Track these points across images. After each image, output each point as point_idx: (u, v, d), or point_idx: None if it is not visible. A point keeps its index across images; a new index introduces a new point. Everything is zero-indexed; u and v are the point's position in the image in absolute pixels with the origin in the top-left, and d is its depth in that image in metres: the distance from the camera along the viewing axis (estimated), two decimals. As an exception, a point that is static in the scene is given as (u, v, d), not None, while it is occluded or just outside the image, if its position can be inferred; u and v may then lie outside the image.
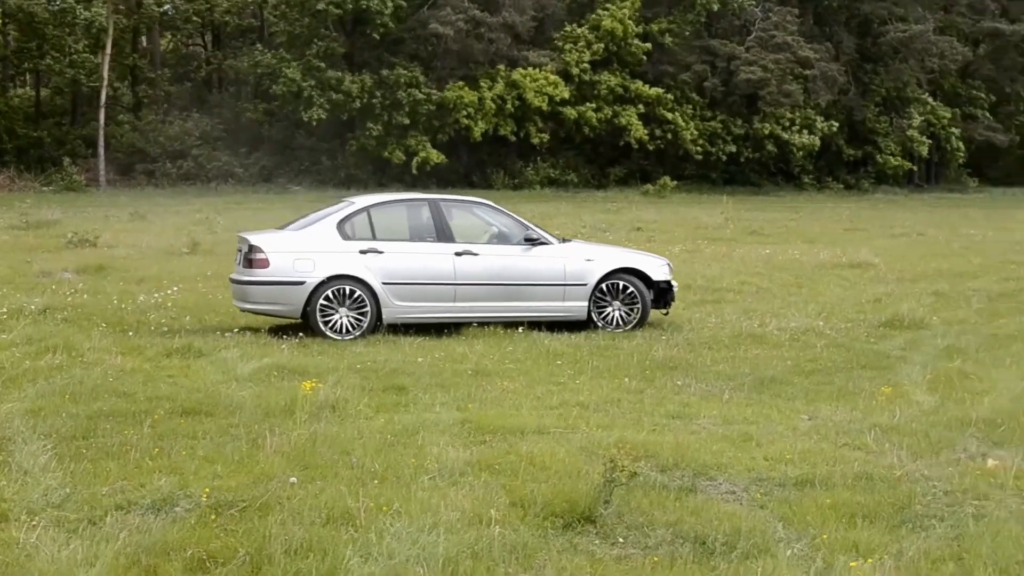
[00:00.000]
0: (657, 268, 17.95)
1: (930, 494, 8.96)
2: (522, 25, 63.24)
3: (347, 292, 16.69)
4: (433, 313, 17.33)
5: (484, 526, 7.89)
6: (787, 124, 66.88)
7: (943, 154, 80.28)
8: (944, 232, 38.12)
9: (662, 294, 17.83)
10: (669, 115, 64.97)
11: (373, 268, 16.94)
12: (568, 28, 64.90)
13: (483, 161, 64.84)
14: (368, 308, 16.71)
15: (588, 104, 63.81)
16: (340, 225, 17.39)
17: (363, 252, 17.02)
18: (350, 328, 16.59)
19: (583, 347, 15.33)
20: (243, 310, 17.40)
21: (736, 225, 38.95)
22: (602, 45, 64.62)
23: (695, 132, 65.51)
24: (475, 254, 17.56)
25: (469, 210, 18.97)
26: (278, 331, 16.56)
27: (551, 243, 18.09)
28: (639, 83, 64.96)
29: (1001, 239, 36.74)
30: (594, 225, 37.40)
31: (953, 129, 76.71)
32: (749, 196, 62.10)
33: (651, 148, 64.99)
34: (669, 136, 65.07)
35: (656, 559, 7.45)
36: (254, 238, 17.25)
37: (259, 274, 16.73)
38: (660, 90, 65.03)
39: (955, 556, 7.63)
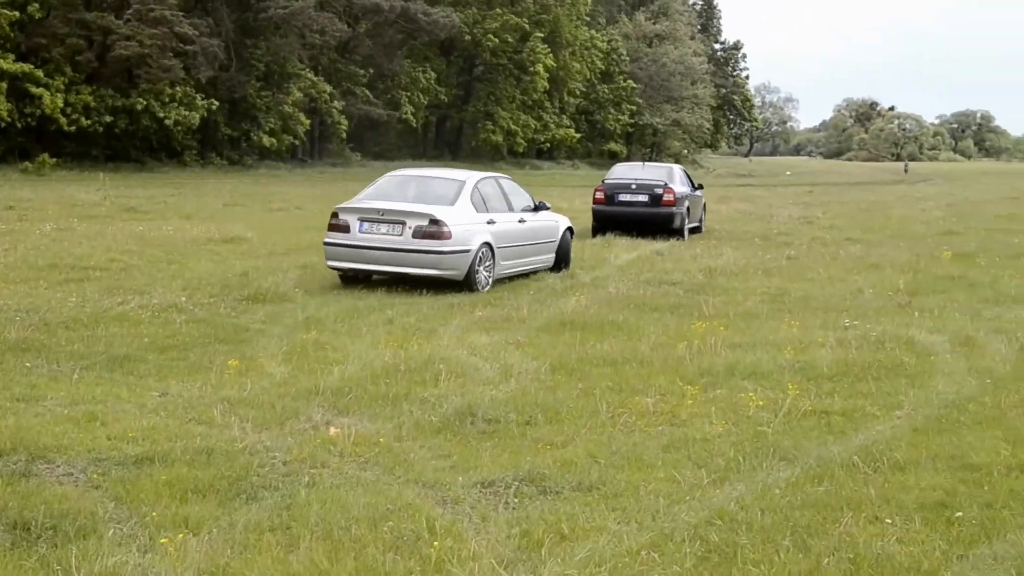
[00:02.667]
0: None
1: (268, 465, 9.13)
2: None
3: (485, 255, 20.67)
4: (513, 269, 22.03)
5: None
6: (167, 100, 66.34)
7: (325, 129, 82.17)
8: (321, 205, 38.88)
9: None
10: (38, 90, 62.99)
11: (494, 235, 20.93)
12: None
13: None
14: (493, 267, 20.89)
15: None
16: (472, 199, 20.97)
17: (489, 223, 20.95)
18: (485, 283, 20.57)
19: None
20: (411, 276, 20.19)
21: (114, 202, 38.27)
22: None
23: (62, 103, 63.61)
24: (524, 221, 22.49)
25: (504, 182, 23.32)
26: None
27: (544, 207, 23.46)
28: (9, 59, 62.58)
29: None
30: (-34, 203, 35.95)
31: (335, 104, 78.56)
32: (132, 173, 61.34)
33: (20, 125, 62.82)
34: (40, 112, 63.06)
35: (-26, 549, 7.24)
36: (438, 212, 20.02)
37: (446, 244, 19.81)
38: (27, 65, 62.86)
39: (284, 526, 7.81)
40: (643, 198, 32.95)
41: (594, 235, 32.50)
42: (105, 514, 7.90)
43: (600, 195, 33.39)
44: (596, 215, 33.36)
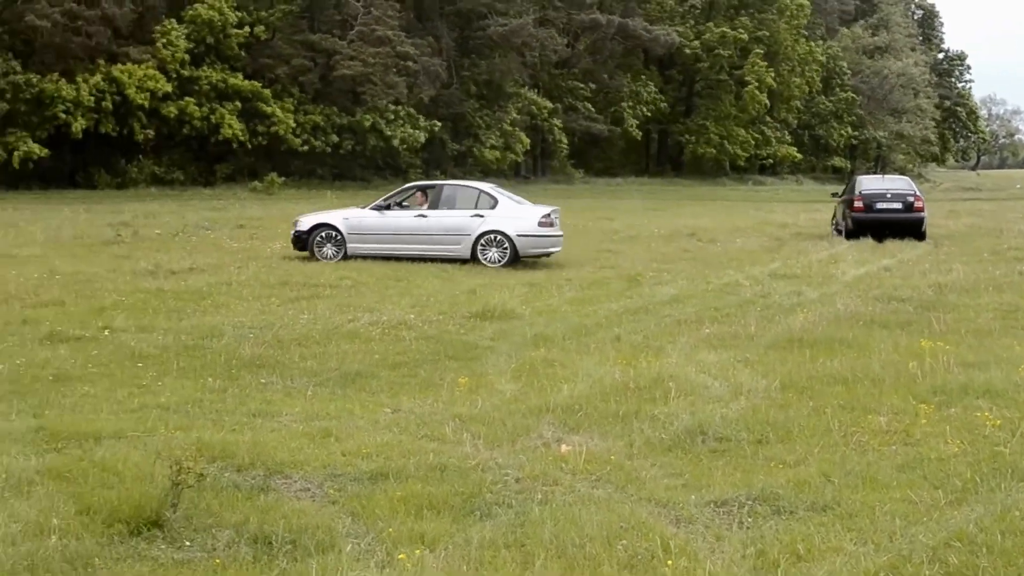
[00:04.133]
0: None
1: (501, 482, 9.16)
2: (122, 18, 61.79)
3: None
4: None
5: (46, 536, 7.68)
6: (391, 118, 67.32)
7: (547, 146, 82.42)
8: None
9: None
10: (268, 109, 64.55)
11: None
12: (166, 22, 63.65)
13: (87, 159, 63.10)
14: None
15: (189, 99, 62.86)
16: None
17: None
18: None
19: (170, 347, 15.04)
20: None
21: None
22: (202, 36, 63.78)
23: (294, 124, 65.08)
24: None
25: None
26: None
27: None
28: (238, 77, 64.32)
29: (600, 228, 37.99)
30: (197, 223, 36.92)
31: (555, 121, 78.81)
32: (358, 191, 62.19)
33: (251, 145, 64.46)
34: (272, 131, 64.61)
35: (218, 561, 7.39)
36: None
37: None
38: (257, 84, 64.48)
39: (518, 543, 7.82)
40: (897, 205, 36.60)
41: (851, 238, 35.55)
42: (343, 529, 8.02)
43: (859, 204, 36.46)
44: (856, 221, 36.20)
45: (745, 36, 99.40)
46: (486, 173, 74.55)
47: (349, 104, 68.49)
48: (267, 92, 64.68)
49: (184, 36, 63.05)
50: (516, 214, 27.36)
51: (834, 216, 39.92)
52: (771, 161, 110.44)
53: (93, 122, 60.15)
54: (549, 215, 27.53)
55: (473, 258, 26.70)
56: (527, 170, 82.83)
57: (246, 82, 64.05)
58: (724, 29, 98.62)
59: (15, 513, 8.15)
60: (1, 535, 7.66)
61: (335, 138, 66.74)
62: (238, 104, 63.84)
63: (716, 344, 15.97)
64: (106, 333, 15.98)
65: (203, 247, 29.61)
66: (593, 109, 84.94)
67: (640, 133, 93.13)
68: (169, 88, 61.60)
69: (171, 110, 61.87)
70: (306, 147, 65.46)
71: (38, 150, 58.48)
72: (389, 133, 66.83)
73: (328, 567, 7.19)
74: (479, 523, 8.22)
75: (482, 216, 27.07)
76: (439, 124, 69.23)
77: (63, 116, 59.16)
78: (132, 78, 60.42)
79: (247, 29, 64.78)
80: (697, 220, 45.52)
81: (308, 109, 66.94)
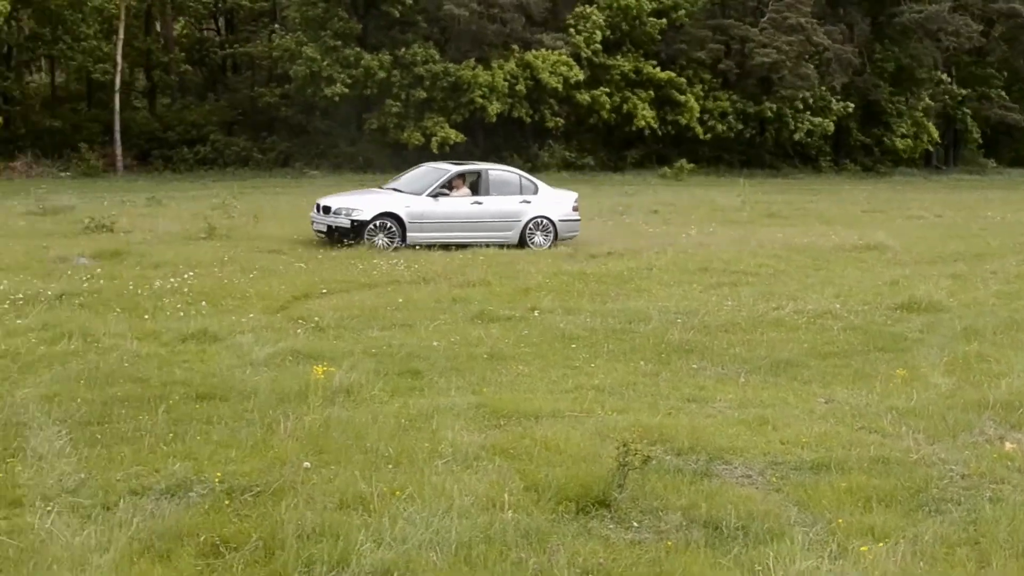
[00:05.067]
0: None
1: (947, 478, 8.95)
2: (536, 6, 62.93)
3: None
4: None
5: (497, 510, 7.89)
6: (801, 107, 66.50)
7: (958, 135, 79.95)
8: (962, 214, 38.00)
9: None
10: (681, 97, 64.64)
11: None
12: (580, 8, 64.44)
13: (499, 144, 64.57)
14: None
15: (601, 88, 63.50)
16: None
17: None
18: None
19: (598, 330, 15.25)
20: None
21: (753, 207, 38.71)
22: (616, 23, 64.32)
23: (698, 111, 64.91)
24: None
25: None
26: (294, 317, 16.46)
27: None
28: (652, 64, 64.59)
29: (1019, 220, 36.62)
30: (612, 208, 37.27)
31: (967, 109, 76.40)
32: (767, 178, 61.81)
33: (661, 134, 64.73)
34: (681, 120, 64.73)
35: (670, 544, 7.43)
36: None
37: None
38: (672, 73, 64.65)
39: (971, 540, 7.62)
40: None
41: None
42: (790, 518, 7.94)
43: None
44: None
45: None
46: (896, 163, 72.88)
47: (758, 92, 67.98)
48: (681, 80, 64.80)
49: (599, 23, 63.67)
50: (555, 199, 28.01)
51: None
52: None
53: (507, 107, 61.48)
54: (577, 200, 28.44)
55: (522, 243, 26.76)
56: (938, 160, 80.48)
57: (659, 71, 64.30)
58: None
59: (466, 486, 8.38)
60: (456, 507, 7.87)
61: (741, 126, 66.38)
62: (651, 92, 64.20)
63: None
64: (535, 314, 16.32)
65: (619, 232, 29.92)
66: (1008, 98, 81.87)
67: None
68: (581, 76, 62.39)
69: (584, 97, 62.63)
70: (710, 135, 65.31)
71: (454, 135, 60.13)
72: (797, 124, 66.05)
73: (782, 555, 7.14)
74: (929, 518, 8.03)
75: (529, 202, 27.36)
76: (851, 107, 67.92)
77: (479, 101, 60.68)
78: (545, 63, 61.46)
79: (663, 19, 65.01)
80: None
81: (718, 96, 66.77)
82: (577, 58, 62.44)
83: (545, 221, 27.19)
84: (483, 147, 63.03)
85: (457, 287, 19.06)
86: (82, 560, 7.13)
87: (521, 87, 60.81)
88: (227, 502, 8.15)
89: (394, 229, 25.90)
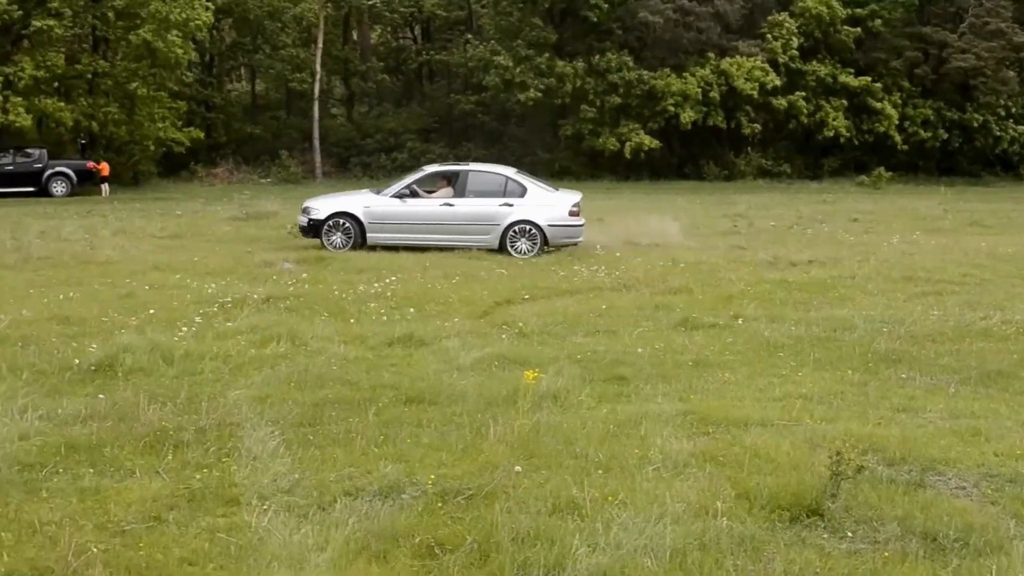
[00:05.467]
0: None
1: None
2: (732, 14, 62.61)
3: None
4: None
5: (710, 518, 7.89)
6: (1003, 113, 65.08)
7: None
8: None
9: None
10: (877, 104, 63.66)
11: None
12: (774, 15, 63.86)
13: (695, 151, 64.35)
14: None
15: (798, 94, 62.87)
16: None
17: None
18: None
19: (804, 339, 15.14)
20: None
21: (956, 216, 38.07)
22: (810, 31, 63.65)
23: (897, 118, 63.81)
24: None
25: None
26: (498, 322, 16.63)
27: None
28: (847, 72, 63.72)
29: None
30: (811, 216, 36.98)
31: None
32: (967, 186, 60.53)
33: (857, 142, 63.86)
34: (879, 127, 63.74)
35: (887, 555, 7.37)
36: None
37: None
38: (867, 79, 63.68)
39: None
40: None
41: None
42: (1008, 531, 7.83)
43: None
44: None
45: None
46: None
47: (959, 98, 66.64)
48: (877, 87, 63.83)
49: (792, 31, 63.06)
50: (546, 202, 26.37)
51: None
52: None
53: (701, 115, 61.22)
54: (578, 203, 26.69)
55: (502, 249, 25.64)
56: None
57: (855, 78, 63.46)
58: None
59: (678, 493, 8.41)
60: (669, 513, 7.91)
61: (946, 134, 65.16)
62: (843, 101, 63.38)
63: None
64: (739, 322, 16.28)
65: (819, 240, 29.64)
66: None
67: None
68: (778, 82, 61.85)
69: (780, 103, 62.07)
70: (909, 142, 64.21)
71: (648, 141, 60.12)
72: (1002, 131, 64.69)
73: (1003, 569, 7.06)
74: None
75: (511, 205, 26.08)
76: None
77: (672, 109, 60.58)
78: (740, 70, 61.08)
79: (858, 28, 64.15)
80: None
81: (917, 103, 65.62)
82: (774, 64, 61.95)
83: (529, 226, 25.94)
84: (679, 154, 62.99)
85: (659, 294, 19.06)
86: (300, 558, 7.32)
87: (715, 94, 60.52)
88: (440, 504, 8.28)
89: (351, 229, 26.09)
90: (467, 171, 27.51)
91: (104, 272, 22.06)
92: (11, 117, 50.73)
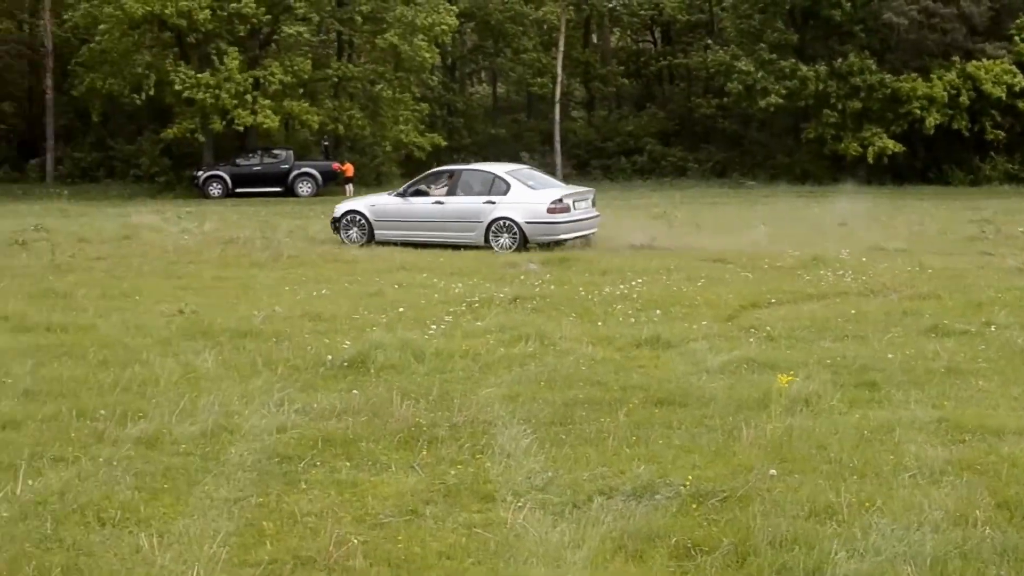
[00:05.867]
0: None
1: None
2: (979, 16, 61.05)
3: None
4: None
5: (970, 527, 7.78)
6: None
7: None
8: None
9: None
10: None
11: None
12: (1022, 17, 61.96)
13: (938, 156, 62.96)
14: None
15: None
16: None
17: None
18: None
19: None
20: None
21: None
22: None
23: None
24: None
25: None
26: (745, 325, 16.53)
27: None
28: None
29: None
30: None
31: None
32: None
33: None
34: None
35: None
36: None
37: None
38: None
39: None
40: None
41: None
42: None
43: None
44: None
45: None
46: None
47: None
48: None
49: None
50: (526, 200, 27.21)
51: None
52: None
53: (947, 119, 59.88)
54: (562, 200, 27.39)
55: (487, 244, 27.02)
56: None
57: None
58: None
59: (935, 501, 8.30)
60: (928, 521, 7.81)
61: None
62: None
63: None
64: (991, 329, 15.91)
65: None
66: None
67: None
68: (1025, 84, 60.16)
69: (1028, 106, 60.40)
70: None
71: (892, 146, 59.15)
72: None
73: None
74: None
75: (493, 203, 27.18)
76: None
77: (917, 112, 59.41)
78: (988, 74, 59.55)
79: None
80: None
81: None
82: (1021, 67, 60.21)
83: (508, 223, 27.00)
84: (922, 158, 61.68)
85: (907, 300, 18.73)
86: (556, 556, 7.43)
87: (964, 99, 59.06)
88: (695, 506, 8.32)
89: (365, 224, 28.20)
90: (461, 170, 29.69)
91: (351, 270, 22.68)
92: (260, 119, 52.30)
